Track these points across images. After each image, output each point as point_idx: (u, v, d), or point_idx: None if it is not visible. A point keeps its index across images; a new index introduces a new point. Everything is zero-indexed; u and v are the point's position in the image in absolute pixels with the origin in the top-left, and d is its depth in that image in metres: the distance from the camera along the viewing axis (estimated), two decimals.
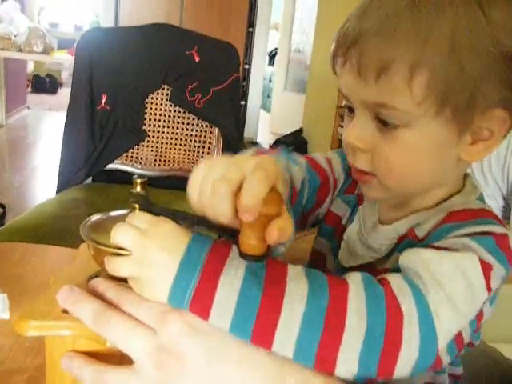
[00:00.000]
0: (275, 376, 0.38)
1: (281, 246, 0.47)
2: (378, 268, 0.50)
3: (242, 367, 0.38)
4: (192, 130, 1.74)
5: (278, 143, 4.45)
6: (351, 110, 0.48)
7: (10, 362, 0.59)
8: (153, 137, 1.73)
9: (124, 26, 2.54)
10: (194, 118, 1.73)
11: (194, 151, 1.75)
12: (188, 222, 0.41)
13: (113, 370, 0.40)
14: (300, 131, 4.69)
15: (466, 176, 0.51)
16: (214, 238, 0.40)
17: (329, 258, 0.58)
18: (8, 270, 0.81)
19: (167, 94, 1.71)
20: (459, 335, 0.43)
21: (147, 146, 1.74)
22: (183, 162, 1.76)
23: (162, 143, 1.74)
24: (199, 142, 1.75)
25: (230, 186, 0.37)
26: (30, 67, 6.04)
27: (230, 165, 0.39)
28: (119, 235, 0.40)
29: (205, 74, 1.69)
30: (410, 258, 0.42)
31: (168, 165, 1.75)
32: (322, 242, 0.60)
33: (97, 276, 0.46)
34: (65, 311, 0.42)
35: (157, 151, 1.74)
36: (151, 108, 1.71)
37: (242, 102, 3.49)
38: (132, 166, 1.73)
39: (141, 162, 1.74)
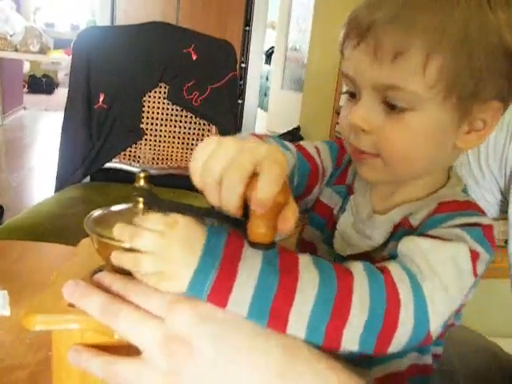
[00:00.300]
0: (285, 365, 0.39)
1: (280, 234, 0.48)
2: (375, 256, 0.53)
3: (251, 356, 0.39)
4: (190, 128, 1.74)
5: None
6: (353, 95, 0.51)
7: (11, 358, 0.59)
8: (150, 135, 1.73)
9: (121, 25, 2.54)
10: (191, 116, 1.73)
11: (191, 149, 1.75)
12: (193, 214, 0.41)
13: (122, 360, 0.41)
14: (297, 129, 4.69)
15: (450, 168, 0.55)
16: (227, 230, 0.41)
17: (320, 247, 0.60)
18: (7, 268, 0.81)
19: (164, 93, 1.71)
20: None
21: (145, 145, 1.74)
22: (181, 160, 1.76)
23: (159, 141, 1.74)
24: (197, 140, 1.75)
25: (243, 173, 0.37)
26: (26, 67, 6.03)
27: (240, 150, 0.38)
28: (138, 241, 0.39)
29: (202, 71, 1.69)
30: (409, 247, 0.46)
31: (166, 163, 1.75)
32: (314, 232, 0.61)
33: (100, 270, 0.46)
34: (71, 305, 0.42)
35: (155, 149, 1.74)
36: (149, 106, 1.71)
37: (240, 101, 3.49)
38: (130, 164, 1.73)
39: (139, 161, 1.74)
